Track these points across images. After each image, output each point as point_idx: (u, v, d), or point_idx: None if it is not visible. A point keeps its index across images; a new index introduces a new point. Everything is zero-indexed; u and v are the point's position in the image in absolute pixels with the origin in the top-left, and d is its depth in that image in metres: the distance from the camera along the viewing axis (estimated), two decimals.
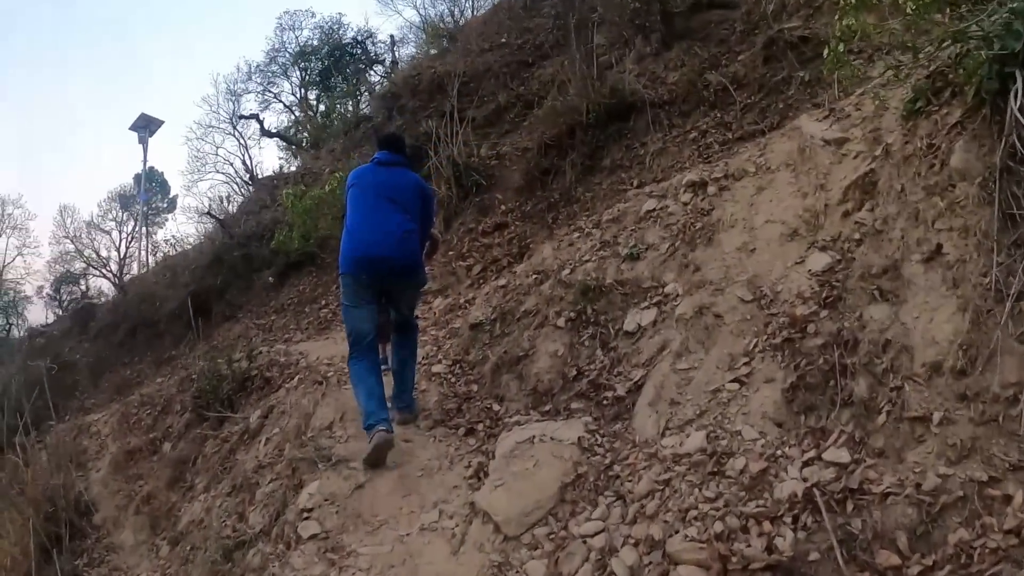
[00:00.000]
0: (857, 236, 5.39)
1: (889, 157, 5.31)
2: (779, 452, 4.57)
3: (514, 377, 6.92)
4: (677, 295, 6.37)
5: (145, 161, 28.86)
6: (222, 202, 22.40)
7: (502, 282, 8.46)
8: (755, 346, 5.39)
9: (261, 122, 26.46)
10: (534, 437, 5.68)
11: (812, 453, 4.41)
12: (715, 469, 4.67)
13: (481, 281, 10.19)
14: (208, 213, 19.71)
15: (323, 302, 12.99)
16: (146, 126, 28.22)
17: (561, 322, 6.94)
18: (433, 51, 19.26)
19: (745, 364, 5.32)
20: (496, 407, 6.78)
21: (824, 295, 5.23)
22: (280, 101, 27.95)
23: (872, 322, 4.73)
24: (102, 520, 9.56)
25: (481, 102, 13.92)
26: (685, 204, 7.32)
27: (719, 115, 9.81)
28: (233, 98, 28.27)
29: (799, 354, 5.03)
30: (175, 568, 7.06)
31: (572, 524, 4.89)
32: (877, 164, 5.46)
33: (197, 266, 16.51)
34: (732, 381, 5.26)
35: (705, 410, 5.19)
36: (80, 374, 17.51)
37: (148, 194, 29.35)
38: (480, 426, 6.58)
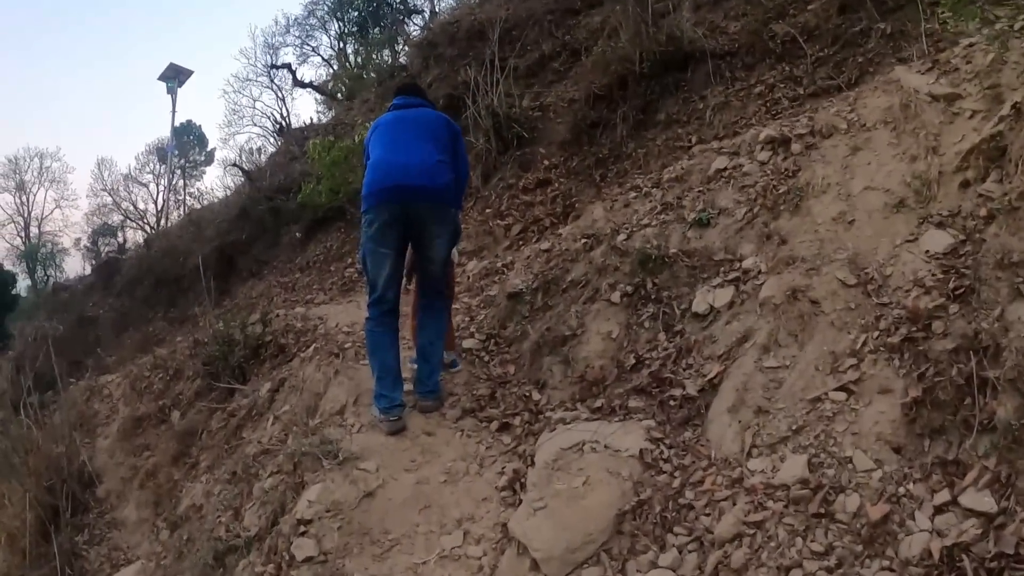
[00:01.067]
0: (984, 212, 4.29)
1: (1021, 119, 4.25)
2: (901, 490, 3.50)
3: (558, 360, 5.77)
4: (759, 272, 5.21)
5: (174, 112, 27.78)
6: (253, 154, 21.35)
7: (545, 245, 7.30)
8: (864, 344, 4.24)
9: (293, 72, 25.31)
10: (584, 443, 4.52)
11: (945, 495, 3.36)
12: (821, 510, 3.57)
13: (521, 243, 9.07)
14: (234, 164, 18.63)
15: (349, 260, 11.87)
16: (175, 76, 27.08)
17: (615, 297, 5.78)
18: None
19: (853, 367, 4.17)
20: (536, 396, 5.65)
21: (952, 285, 4.09)
22: (318, 54, 26.96)
23: (1019, 324, 3.61)
24: (106, 493, 8.89)
25: (524, 51, 12.61)
26: (763, 164, 6.15)
27: (787, 68, 8.68)
28: (271, 51, 27.34)
29: (923, 359, 3.91)
30: (170, 559, 6.17)
31: (632, 567, 3.79)
32: (1005, 126, 4.37)
33: (223, 220, 15.48)
34: (837, 389, 4.11)
35: (803, 425, 4.05)
36: (102, 330, 16.72)
37: (174, 147, 28.23)
38: (517, 420, 5.44)
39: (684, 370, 4.96)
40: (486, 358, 6.33)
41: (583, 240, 6.63)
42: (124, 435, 9.39)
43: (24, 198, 45.45)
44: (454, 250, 6.04)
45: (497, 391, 5.82)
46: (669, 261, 5.75)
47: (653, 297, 5.62)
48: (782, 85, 8.53)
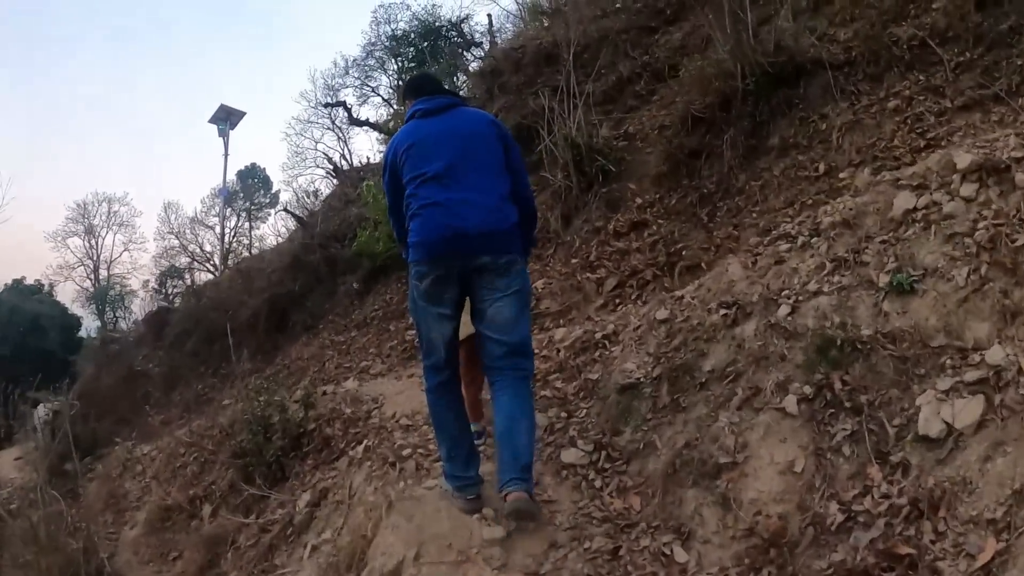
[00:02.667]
0: None
1: None
2: None
3: (710, 499, 3.90)
4: (1020, 371, 3.24)
5: (226, 155, 26.26)
6: (309, 197, 19.72)
7: (662, 314, 5.43)
8: None
9: (348, 109, 23.49)
10: None
11: None
12: None
13: (617, 301, 7.22)
14: (285, 209, 16.95)
15: (411, 319, 9.95)
16: (226, 118, 25.65)
17: (789, 403, 3.90)
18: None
19: None
20: (681, 554, 3.73)
21: None
22: (378, 95, 25.34)
23: None
24: None
25: (598, 75, 10.62)
26: (970, 201, 4.25)
27: (922, 78, 6.97)
28: (331, 92, 25.79)
29: None
30: None
31: None
32: None
33: (274, 270, 13.83)
34: None
35: None
36: (152, 385, 15.18)
37: (227, 191, 26.80)
38: None
39: (932, 542, 3.00)
40: (597, 481, 4.44)
41: (721, 311, 4.75)
42: (151, 528, 7.83)
43: (93, 242, 45.55)
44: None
45: (621, 542, 3.90)
46: (863, 348, 3.86)
47: (847, 404, 3.73)
48: (921, 98, 6.82)
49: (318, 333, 12.01)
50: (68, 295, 41.75)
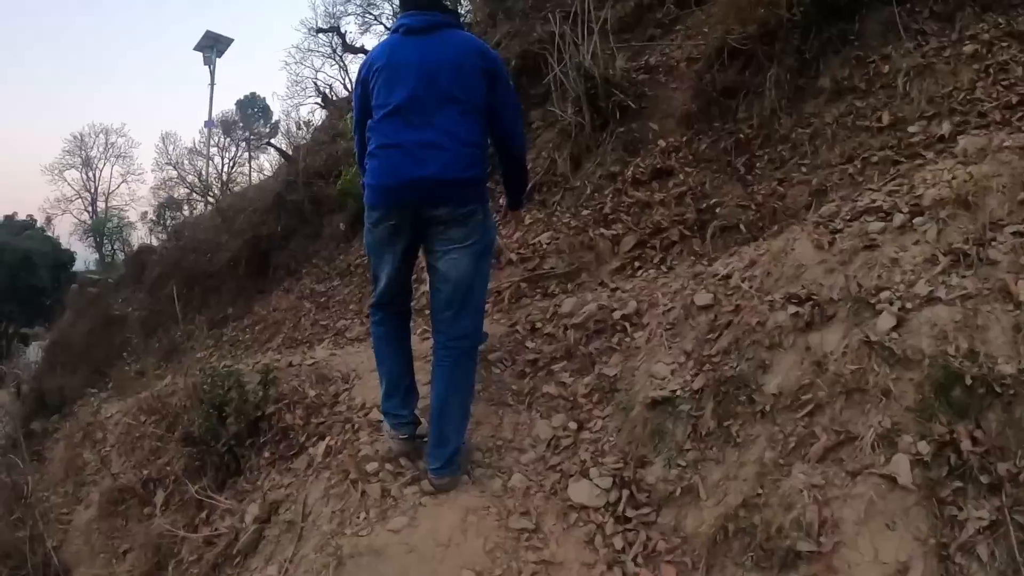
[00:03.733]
0: None
1: None
2: None
3: None
4: None
5: (213, 84, 24.72)
6: (300, 128, 18.24)
7: (703, 299, 4.27)
8: None
9: (343, 35, 21.73)
10: None
11: None
12: None
13: (637, 265, 5.98)
14: (268, 143, 15.52)
15: None
16: (213, 45, 23.92)
17: (899, 466, 2.71)
18: None
19: None
20: None
21: None
22: (380, 23, 23.69)
23: None
24: None
25: (613, 1, 9.22)
26: None
27: (1001, 21, 5.90)
28: (332, 20, 24.12)
29: None
30: None
31: None
32: None
33: (256, 209, 12.47)
34: None
35: None
36: (131, 330, 13.89)
37: (214, 122, 25.31)
38: None
39: None
40: (616, 538, 3.29)
41: (790, 307, 3.55)
42: (104, 511, 6.70)
43: (91, 174, 45.75)
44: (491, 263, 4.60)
45: None
46: (1002, 392, 2.65)
47: (982, 477, 2.56)
48: (1004, 44, 5.73)
49: (300, 278, 10.78)
50: (66, 228, 41.46)
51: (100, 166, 45.61)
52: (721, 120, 6.83)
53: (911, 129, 5.43)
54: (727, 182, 6.25)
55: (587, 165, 7.53)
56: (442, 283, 3.94)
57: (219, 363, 8.44)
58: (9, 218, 38.34)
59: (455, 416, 3.98)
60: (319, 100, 15.65)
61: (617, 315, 4.67)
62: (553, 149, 7.99)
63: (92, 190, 45.11)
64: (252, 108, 44.38)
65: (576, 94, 7.62)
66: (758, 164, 6.22)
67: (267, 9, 72.86)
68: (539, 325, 5.25)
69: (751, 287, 4.01)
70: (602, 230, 6.28)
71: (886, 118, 5.68)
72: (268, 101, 44.66)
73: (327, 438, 4.81)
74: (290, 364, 6.32)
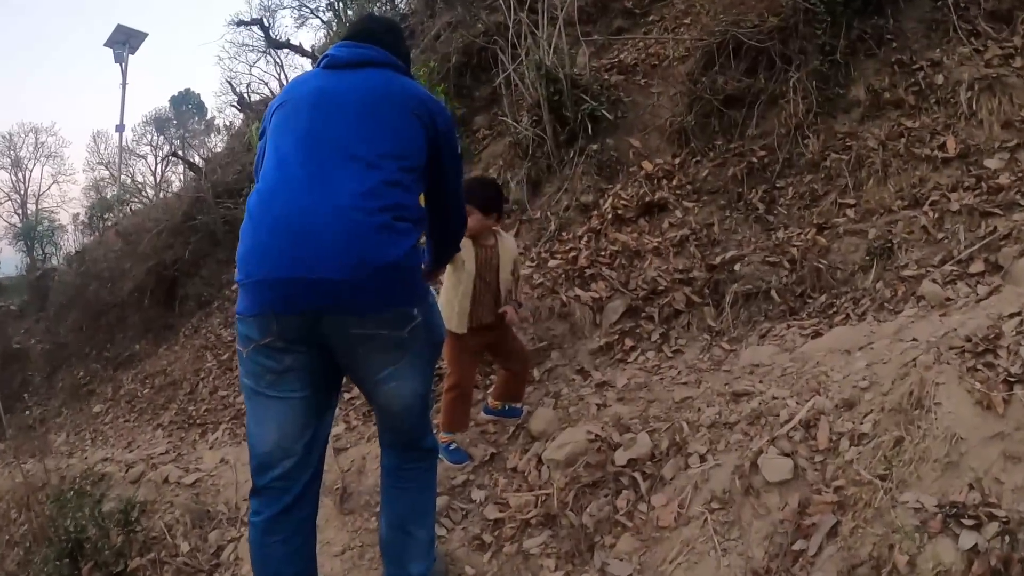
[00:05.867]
0: None
1: None
2: None
3: None
4: None
5: (125, 84, 22.75)
6: (220, 132, 16.38)
7: (775, 471, 2.56)
8: None
9: (266, 29, 19.58)
10: None
11: None
12: None
13: (630, 343, 4.36)
14: (175, 154, 13.52)
15: None
16: (125, 41, 21.88)
17: None
18: None
19: None
20: None
21: None
22: (317, 16, 21.80)
23: None
24: None
25: None
26: None
27: None
28: (267, 12, 22.20)
29: None
30: None
31: None
32: None
33: (162, 230, 10.60)
34: None
35: None
36: (33, 366, 12.28)
37: (123, 125, 23.33)
38: None
39: None
40: None
41: (937, 514, 1.93)
42: None
43: (20, 175, 42.57)
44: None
45: None
46: None
47: None
48: None
49: (211, 313, 9.15)
50: None
51: (30, 167, 43.09)
52: (724, 137, 5.31)
53: (990, 164, 4.13)
54: (742, 223, 4.71)
55: (549, 190, 5.94)
56: (381, 413, 2.73)
57: (90, 453, 6.90)
58: None
59: (421, 547, 2.81)
60: (235, 102, 13.73)
61: (621, 459, 3.05)
62: (504, 167, 6.37)
63: (22, 191, 42.66)
64: (187, 105, 42.32)
65: (534, 100, 6.02)
66: (781, 199, 4.71)
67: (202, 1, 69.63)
68: (499, 449, 3.65)
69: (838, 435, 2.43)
70: (577, 291, 4.66)
71: (952, 146, 4.30)
72: (203, 97, 42.83)
73: None
74: (166, 480, 4.67)
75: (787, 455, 2.54)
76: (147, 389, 8.17)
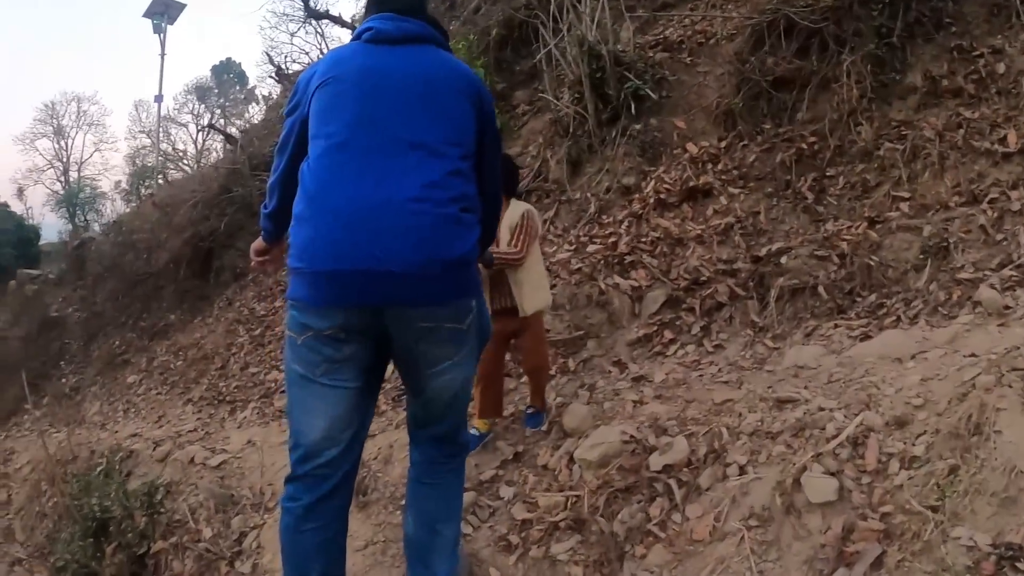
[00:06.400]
0: None
1: None
2: None
3: None
4: None
5: (163, 55, 22.51)
6: (260, 104, 16.28)
7: (817, 487, 2.41)
8: None
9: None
10: None
11: None
12: None
13: (669, 335, 4.23)
14: (211, 125, 13.45)
15: None
16: (163, 11, 21.63)
17: None
18: None
19: None
20: None
21: None
22: None
23: None
24: None
25: None
26: None
27: None
28: None
29: None
30: None
31: None
32: None
33: (198, 202, 10.64)
34: None
35: None
36: (70, 335, 12.27)
37: (162, 96, 23.01)
38: None
39: None
40: None
41: None
42: None
43: (63, 143, 43.48)
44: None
45: None
46: None
47: None
48: None
49: (245, 286, 9.10)
50: (39, 199, 40.68)
51: (72, 135, 43.50)
52: (773, 121, 5.13)
53: None
54: (789, 212, 4.55)
55: (589, 170, 5.80)
56: (427, 408, 2.65)
57: (122, 426, 6.91)
58: None
59: (447, 547, 2.75)
60: (274, 73, 13.59)
61: (657, 464, 2.93)
62: (544, 145, 6.23)
63: (64, 160, 43.09)
64: (228, 74, 42.52)
65: (576, 77, 5.87)
66: (831, 189, 4.53)
67: None
68: (530, 445, 3.55)
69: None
70: (617, 278, 4.53)
71: (1013, 140, 4.12)
72: (244, 67, 43.22)
73: None
74: (192, 461, 4.66)
75: (832, 474, 2.40)
76: (180, 361, 8.17)
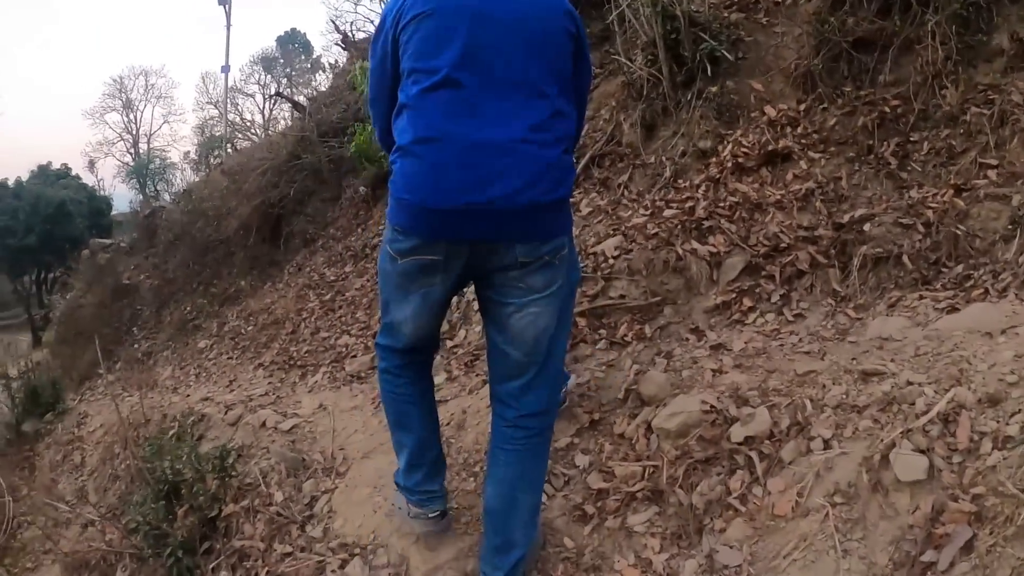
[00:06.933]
0: None
1: None
2: None
3: None
4: None
5: (229, 26, 22.86)
6: (326, 71, 16.29)
7: (906, 465, 2.37)
8: None
9: None
10: None
11: None
12: None
13: (747, 303, 4.15)
14: (279, 93, 13.50)
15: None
16: None
17: None
18: None
19: None
20: None
21: None
22: None
23: None
24: None
25: None
26: None
27: None
28: None
29: None
30: None
31: None
32: None
33: (267, 170, 10.72)
34: None
35: None
36: (142, 301, 12.64)
37: (228, 67, 23.26)
38: None
39: None
40: None
41: None
42: None
43: (132, 116, 45.65)
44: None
45: None
46: None
47: None
48: None
49: (315, 251, 9.19)
50: (110, 171, 42.14)
51: (141, 108, 45.83)
52: (854, 83, 4.99)
53: None
54: (872, 179, 4.44)
55: (664, 133, 5.72)
56: (513, 345, 2.71)
57: (193, 390, 7.02)
58: (43, 168, 37.34)
59: (524, 515, 2.80)
60: (340, 40, 13.60)
61: (738, 435, 2.89)
62: (617, 108, 6.16)
63: (134, 132, 45.21)
64: (293, 44, 43.43)
65: (650, 38, 5.77)
66: (915, 154, 4.42)
67: None
68: (605, 414, 3.53)
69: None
70: (694, 244, 4.47)
71: None
72: (309, 36, 43.97)
73: None
74: (263, 425, 4.72)
75: (922, 452, 2.35)
76: (250, 326, 8.28)
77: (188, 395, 6.82)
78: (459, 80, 2.44)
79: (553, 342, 2.74)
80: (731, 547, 2.58)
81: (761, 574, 2.45)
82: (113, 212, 36.49)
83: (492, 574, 2.76)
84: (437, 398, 4.15)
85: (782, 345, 3.60)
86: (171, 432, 5.29)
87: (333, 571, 3.24)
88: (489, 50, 2.47)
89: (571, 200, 5.82)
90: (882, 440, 2.48)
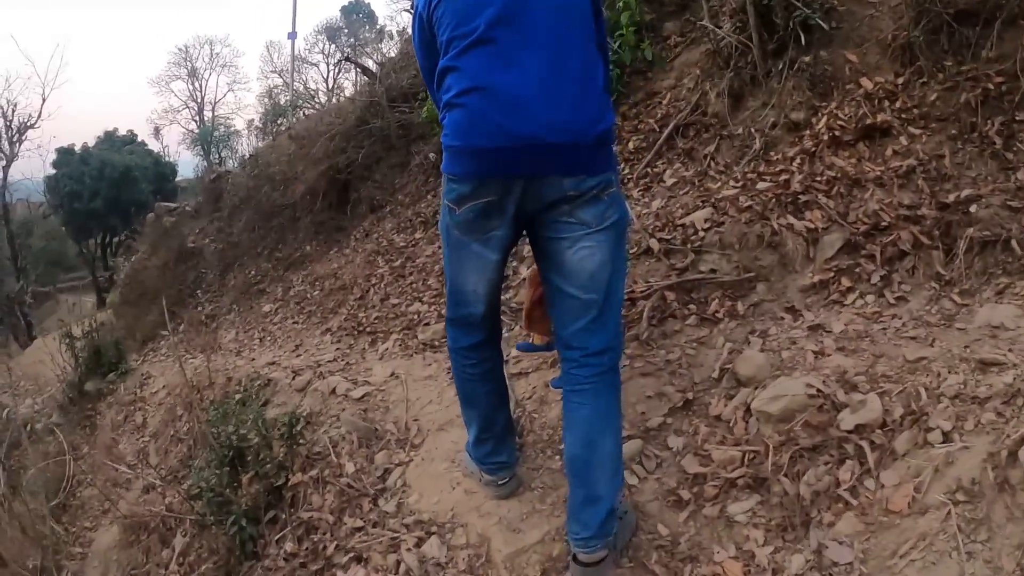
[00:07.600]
0: None
1: None
2: None
3: None
4: None
5: None
6: (394, 38, 16.33)
7: None
8: None
9: None
10: None
11: None
12: None
13: (846, 283, 3.96)
14: (347, 58, 13.38)
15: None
16: None
17: None
18: None
19: None
20: None
21: None
22: None
23: None
24: None
25: None
26: None
27: None
28: None
29: None
30: None
31: None
32: None
33: (335, 135, 10.64)
34: None
35: None
36: (206, 265, 12.81)
37: (295, 33, 23.53)
38: None
39: None
40: None
41: None
42: (123, 542, 5.42)
43: (197, 84, 46.33)
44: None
45: None
46: None
47: None
48: None
49: (383, 218, 9.11)
50: (175, 138, 43.00)
51: (206, 76, 46.53)
52: (955, 57, 4.74)
53: None
54: (976, 158, 4.23)
55: (753, 104, 5.54)
56: (572, 283, 2.75)
57: (258, 354, 7.00)
58: (109, 134, 37.90)
59: (607, 462, 2.76)
60: (409, 6, 13.56)
61: (847, 423, 2.76)
62: (702, 77, 5.98)
63: (198, 100, 45.87)
64: (357, 14, 43.70)
65: (739, 4, 5.58)
66: (1021, 135, 4.19)
67: None
68: (699, 394, 3.41)
69: None
70: (791, 219, 4.31)
71: None
72: (373, 6, 44.33)
73: (363, 563, 3.25)
74: (333, 392, 4.67)
75: None
76: (316, 292, 8.25)
77: (253, 359, 6.81)
78: (495, 37, 2.57)
79: (611, 280, 2.77)
80: (841, 543, 2.46)
81: (875, 573, 2.32)
82: (178, 178, 37.10)
83: (581, 532, 2.71)
84: (517, 371, 4.07)
85: (885, 329, 3.44)
86: (237, 396, 5.26)
87: (408, 549, 3.16)
88: (522, 13, 2.58)
89: (655, 170, 5.68)
90: (1008, 435, 2.33)
